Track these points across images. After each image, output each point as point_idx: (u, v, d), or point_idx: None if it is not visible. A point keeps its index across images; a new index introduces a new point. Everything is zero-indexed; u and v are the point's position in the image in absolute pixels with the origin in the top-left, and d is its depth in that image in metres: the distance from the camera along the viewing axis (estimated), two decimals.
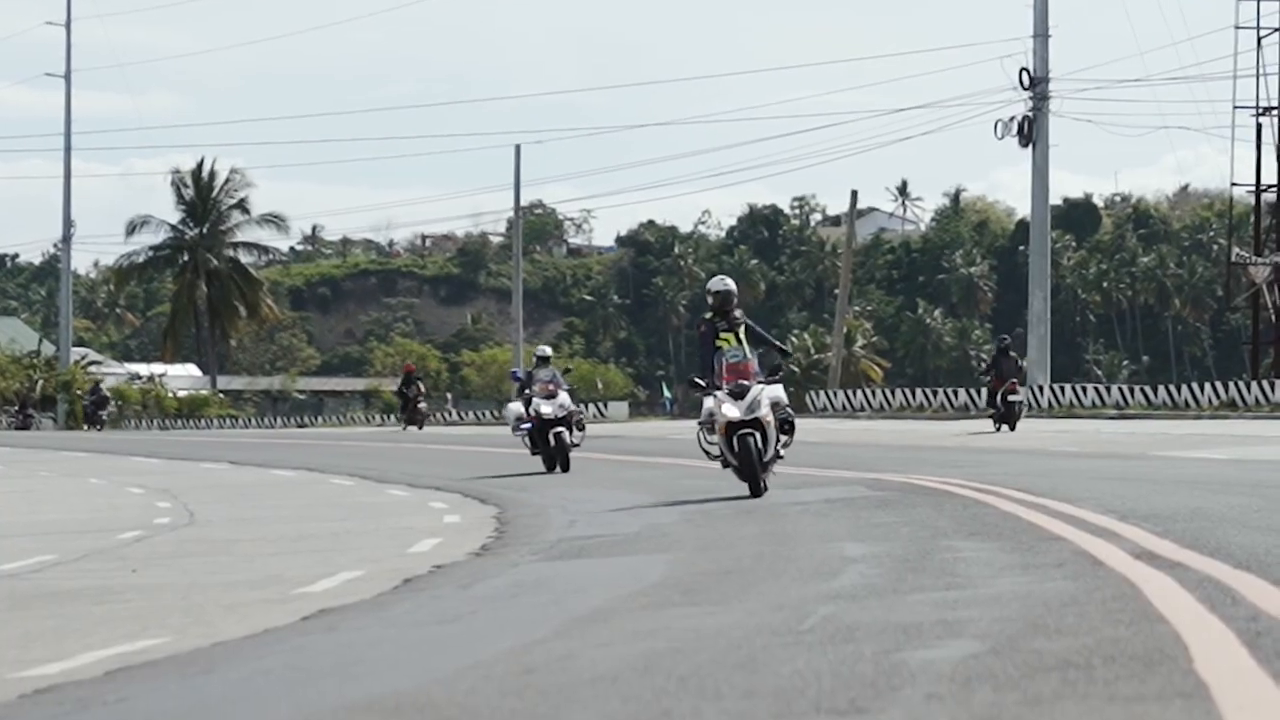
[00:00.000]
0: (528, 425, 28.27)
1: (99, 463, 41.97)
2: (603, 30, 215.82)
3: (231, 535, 19.85)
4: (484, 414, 78.79)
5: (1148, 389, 61.28)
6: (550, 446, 27.48)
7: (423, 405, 63.52)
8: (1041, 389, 61.16)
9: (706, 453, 19.89)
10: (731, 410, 19.05)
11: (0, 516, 23.98)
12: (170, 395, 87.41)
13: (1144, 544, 12.76)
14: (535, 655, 8.95)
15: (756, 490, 18.79)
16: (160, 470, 36.86)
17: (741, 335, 20.26)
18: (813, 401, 71.06)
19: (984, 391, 49.60)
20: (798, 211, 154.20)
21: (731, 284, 20.74)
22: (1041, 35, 62.17)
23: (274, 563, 16.09)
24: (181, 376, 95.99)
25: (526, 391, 28.41)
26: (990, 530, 14.82)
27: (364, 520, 21.22)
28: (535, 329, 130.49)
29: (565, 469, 27.27)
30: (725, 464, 19.39)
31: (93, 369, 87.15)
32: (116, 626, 11.95)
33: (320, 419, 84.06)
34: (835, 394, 71.57)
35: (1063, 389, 62.63)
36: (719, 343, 20.08)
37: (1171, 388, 60.50)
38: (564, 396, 27.59)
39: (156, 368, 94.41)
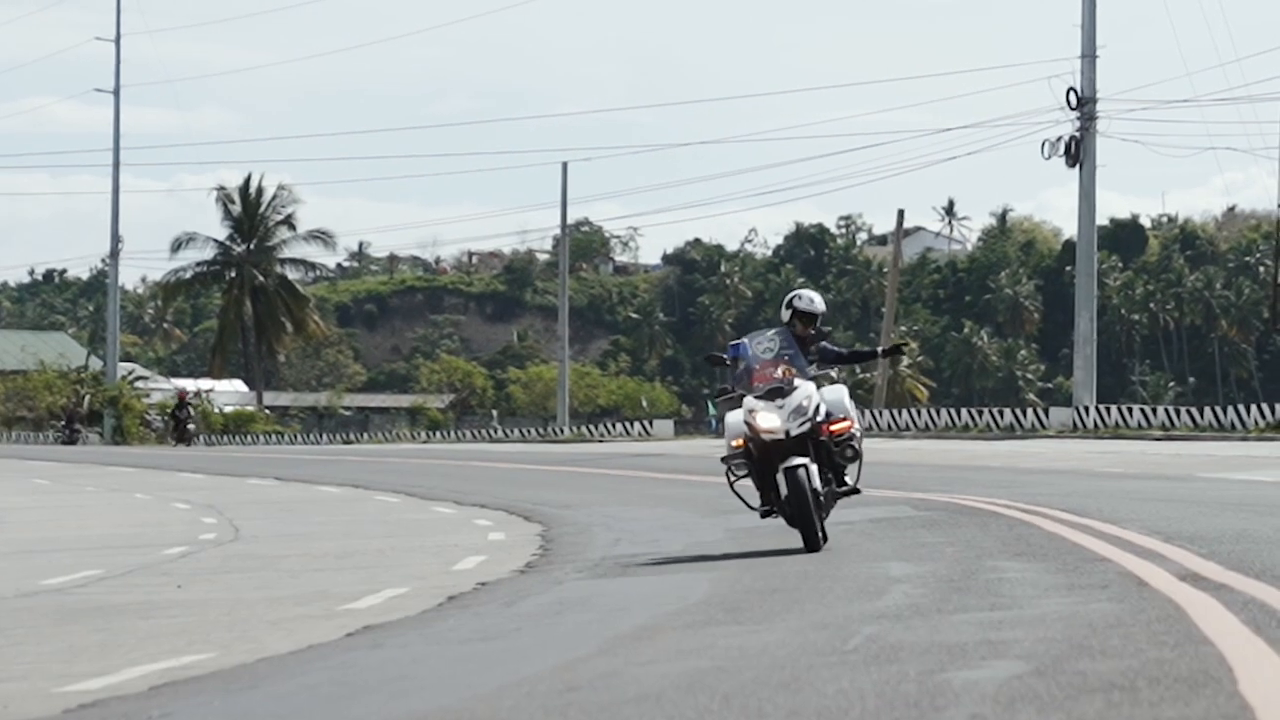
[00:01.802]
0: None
1: (145, 478, 42.44)
2: (651, 48, 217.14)
3: (277, 551, 19.98)
4: (529, 431, 79.73)
5: (1194, 410, 61.36)
6: None
7: (191, 426, 73.98)
8: (1087, 409, 61.28)
9: (741, 498, 15.48)
10: (769, 418, 14.37)
11: (47, 531, 24.43)
12: (217, 411, 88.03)
13: (1189, 566, 12.86)
14: (579, 673, 9.04)
15: (814, 544, 14.46)
16: (206, 486, 37.21)
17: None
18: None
19: (1029, 411, 49.45)
20: (844, 230, 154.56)
21: (819, 304, 15.88)
22: (1089, 55, 62.26)
23: (319, 579, 16.23)
24: (228, 392, 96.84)
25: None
26: (1035, 551, 14.94)
27: (409, 537, 21.35)
28: (581, 346, 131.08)
29: None
30: (766, 512, 14.96)
31: (139, 384, 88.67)
32: (161, 642, 12.08)
33: (366, 435, 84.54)
34: (880, 413, 71.82)
35: (1108, 409, 62.66)
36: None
37: (1218, 409, 60.47)
38: None
39: (203, 383, 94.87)
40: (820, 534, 14.41)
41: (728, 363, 15.07)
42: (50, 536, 23.61)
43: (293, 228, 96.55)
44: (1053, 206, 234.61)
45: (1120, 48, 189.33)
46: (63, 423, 78.80)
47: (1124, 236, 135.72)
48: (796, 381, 14.43)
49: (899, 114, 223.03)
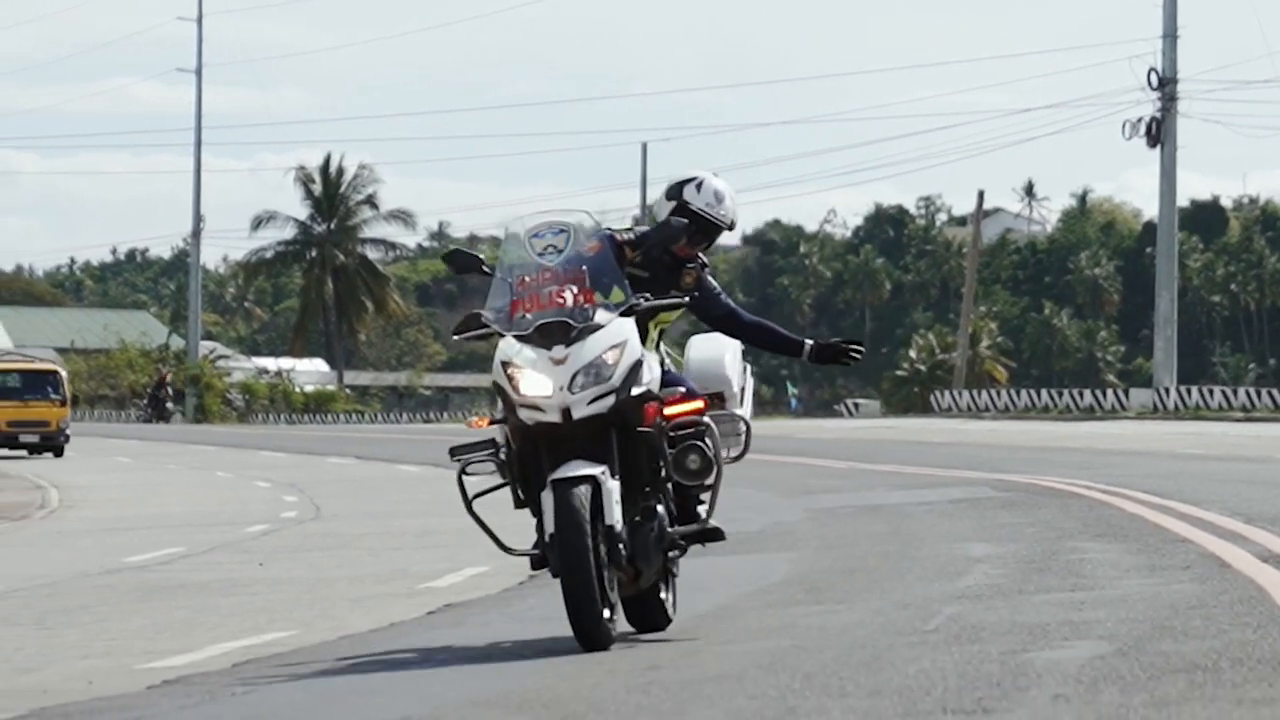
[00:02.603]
0: None
1: (226, 456, 43.66)
2: (730, 29, 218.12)
3: (357, 529, 20.41)
4: None
5: (1275, 391, 61.87)
6: None
7: (170, 405, 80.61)
8: (1168, 391, 61.96)
9: (483, 527, 9.23)
10: (536, 381, 8.20)
11: (129, 509, 25.23)
12: (298, 390, 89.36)
13: (1272, 547, 13.15)
14: (660, 652, 9.18)
15: (592, 638, 8.27)
16: (287, 464, 38.19)
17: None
18: (938, 401, 72.24)
19: (1110, 393, 50.18)
20: (924, 211, 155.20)
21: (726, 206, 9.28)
22: (1170, 35, 62.73)
23: (399, 557, 16.56)
24: (309, 371, 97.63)
25: None
26: (1116, 532, 15.21)
27: (488, 516, 21.61)
28: None
29: None
30: (537, 560, 8.67)
31: (220, 363, 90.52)
32: (244, 619, 12.41)
33: (446, 415, 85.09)
34: (960, 394, 72.47)
35: (1189, 391, 63.43)
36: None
37: None
38: None
39: (284, 362, 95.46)
40: (608, 620, 8.27)
41: (487, 272, 9.02)
42: (133, 514, 24.33)
43: (374, 207, 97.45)
44: (1133, 187, 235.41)
45: (1201, 27, 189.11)
46: (145, 400, 79.28)
47: (1205, 217, 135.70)
48: (599, 315, 8.29)
49: (979, 94, 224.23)
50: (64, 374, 47.90)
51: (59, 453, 44.81)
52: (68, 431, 45.48)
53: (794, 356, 9.90)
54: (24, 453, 45.15)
